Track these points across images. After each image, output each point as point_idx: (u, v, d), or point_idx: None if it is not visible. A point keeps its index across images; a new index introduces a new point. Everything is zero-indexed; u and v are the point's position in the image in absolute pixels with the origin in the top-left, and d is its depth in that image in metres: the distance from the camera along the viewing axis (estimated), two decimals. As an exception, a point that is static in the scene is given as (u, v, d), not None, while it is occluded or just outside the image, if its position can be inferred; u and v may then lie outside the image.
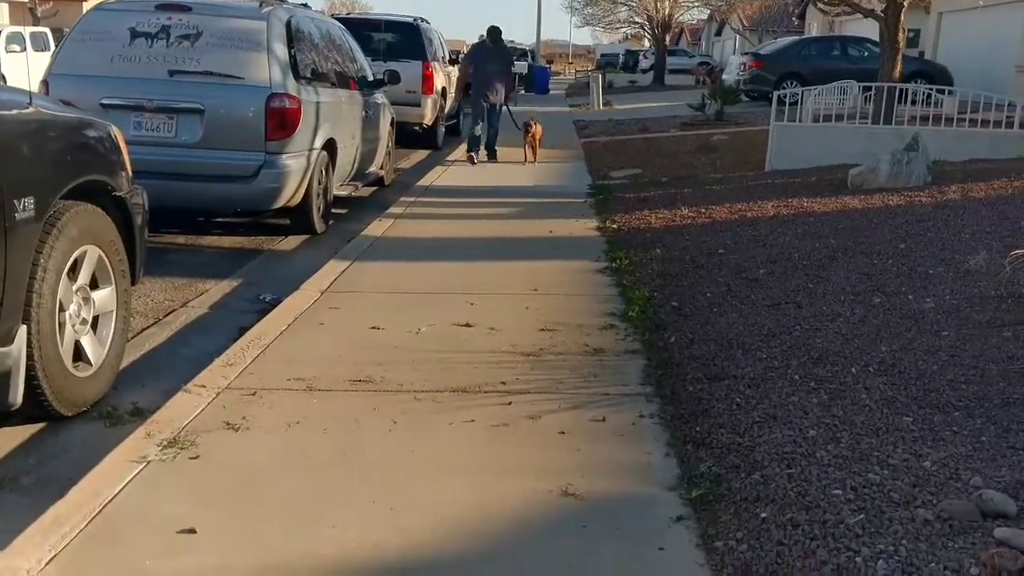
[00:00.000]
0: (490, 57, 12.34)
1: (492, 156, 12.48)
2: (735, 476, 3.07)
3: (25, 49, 20.94)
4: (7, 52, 20.14)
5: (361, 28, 13.12)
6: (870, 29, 16.11)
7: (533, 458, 3.25)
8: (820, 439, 3.30)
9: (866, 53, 21.07)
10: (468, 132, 12.62)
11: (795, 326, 4.67)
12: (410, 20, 14.77)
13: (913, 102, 11.71)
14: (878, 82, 12.07)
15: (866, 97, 12.77)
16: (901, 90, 11.80)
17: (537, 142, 12.28)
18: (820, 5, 14.56)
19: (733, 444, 3.32)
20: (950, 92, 12.63)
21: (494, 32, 12.41)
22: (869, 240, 6.43)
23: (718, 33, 54.82)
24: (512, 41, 47.78)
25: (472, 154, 12.16)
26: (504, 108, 12.63)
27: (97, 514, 2.82)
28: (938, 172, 8.84)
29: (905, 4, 11.92)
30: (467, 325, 4.81)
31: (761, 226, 7.20)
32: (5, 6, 37.54)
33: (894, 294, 5.13)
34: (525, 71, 36.03)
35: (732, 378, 3.99)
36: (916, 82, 14.39)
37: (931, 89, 11.95)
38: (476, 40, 13.43)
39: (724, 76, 25.58)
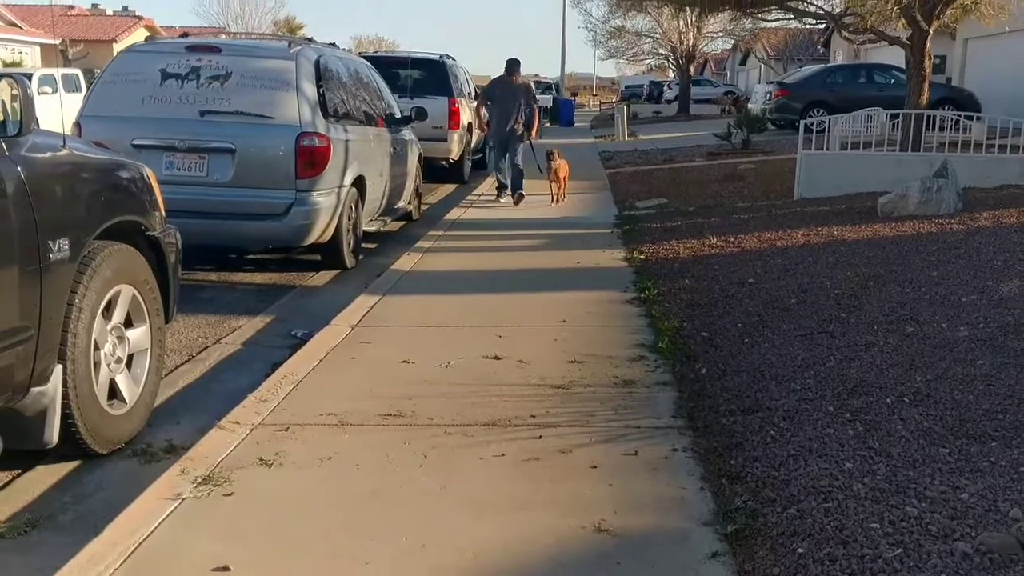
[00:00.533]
0: (508, 91, 11.59)
1: (517, 197, 11.52)
2: (771, 510, 3.04)
3: (57, 91, 21.39)
4: (39, 94, 20.57)
5: (388, 66, 13.28)
6: (896, 56, 16.08)
7: (565, 493, 3.23)
8: (856, 472, 3.26)
9: (892, 80, 21.00)
10: (493, 167, 12.10)
11: (828, 356, 4.63)
12: (436, 57, 14.94)
13: (941, 128, 11.64)
14: (905, 109, 12.02)
15: (893, 124, 12.71)
16: (929, 117, 11.74)
17: (562, 179, 11.30)
18: (845, 33, 14.56)
19: (768, 478, 3.29)
20: (978, 118, 12.54)
21: (511, 65, 11.68)
22: (901, 268, 6.38)
23: (743, 62, 54.89)
24: (537, 75, 48.28)
25: (503, 194, 11.65)
26: (527, 144, 11.85)
27: (132, 552, 2.83)
28: (968, 199, 8.77)
29: (931, 31, 11.89)
30: (496, 358, 4.81)
31: (791, 255, 7.16)
32: (37, 48, 38.49)
33: (927, 323, 5.08)
34: (550, 104, 36.37)
35: (766, 410, 3.95)
36: (944, 108, 14.34)
37: (959, 115, 11.88)
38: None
39: (750, 105, 25.57)
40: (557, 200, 11.28)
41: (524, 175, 11.59)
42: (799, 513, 2.99)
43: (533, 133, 11.93)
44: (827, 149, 11.88)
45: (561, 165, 11.23)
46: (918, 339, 4.81)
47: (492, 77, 12.34)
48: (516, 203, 11.35)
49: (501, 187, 11.72)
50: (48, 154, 3.60)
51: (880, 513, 2.93)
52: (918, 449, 3.43)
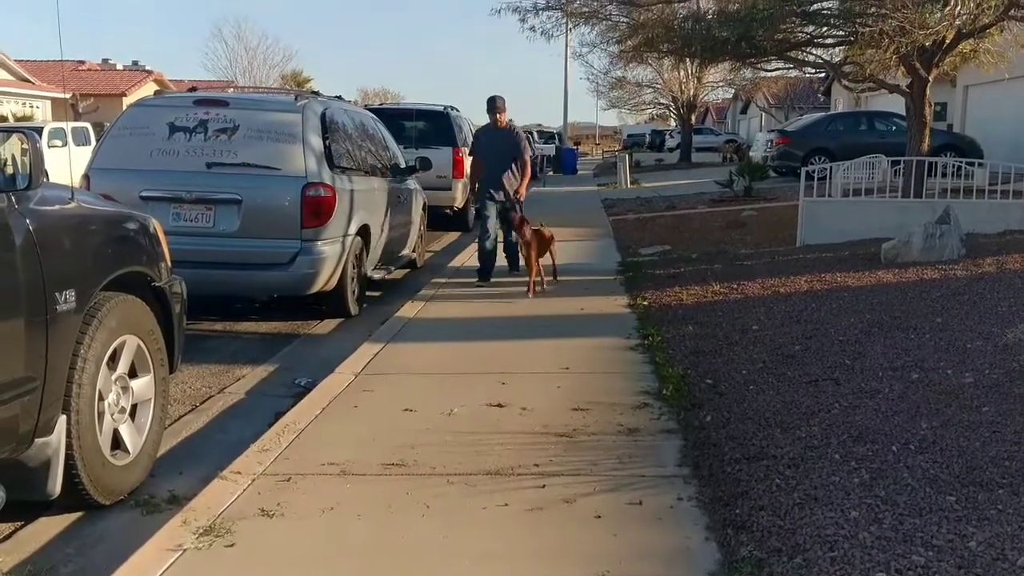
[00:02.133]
0: (495, 140, 9.17)
1: (514, 266, 9.42)
2: (777, 560, 3.01)
3: (67, 144, 21.63)
4: (49, 147, 20.81)
5: (393, 117, 13.43)
6: (897, 103, 16.22)
7: (569, 544, 3.21)
8: (862, 520, 3.24)
9: (893, 127, 21.14)
10: (479, 245, 9.14)
11: (833, 403, 4.61)
12: (440, 109, 15.12)
13: (943, 175, 11.70)
14: (907, 156, 12.10)
15: (895, 171, 12.79)
16: (931, 163, 11.81)
17: (533, 254, 8.27)
18: (845, 82, 14.71)
19: (774, 527, 3.26)
20: (980, 164, 12.61)
21: (492, 105, 9.18)
22: (905, 314, 6.38)
23: (744, 111, 55.39)
24: (540, 124, 48.75)
25: (482, 282, 8.97)
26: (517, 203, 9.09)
27: (133, 605, 2.81)
28: (972, 245, 8.79)
29: (930, 79, 12.01)
30: (499, 405, 4.81)
31: (795, 301, 7.17)
32: (48, 102, 39.00)
33: (932, 369, 5.06)
34: (554, 153, 36.66)
35: (771, 458, 3.93)
36: (945, 155, 14.41)
37: (961, 161, 11.95)
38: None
39: (751, 153, 25.74)
40: (536, 285, 8.24)
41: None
42: (805, 562, 2.96)
43: (521, 189, 9.13)
44: (829, 196, 11.95)
45: (531, 236, 8.29)
46: (923, 386, 4.79)
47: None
48: (511, 270, 9.20)
49: (487, 261, 9.06)
50: (56, 207, 3.65)
51: (886, 562, 2.91)
52: (924, 497, 3.40)
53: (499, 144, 9.09)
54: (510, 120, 9.46)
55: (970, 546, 2.98)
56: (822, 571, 2.89)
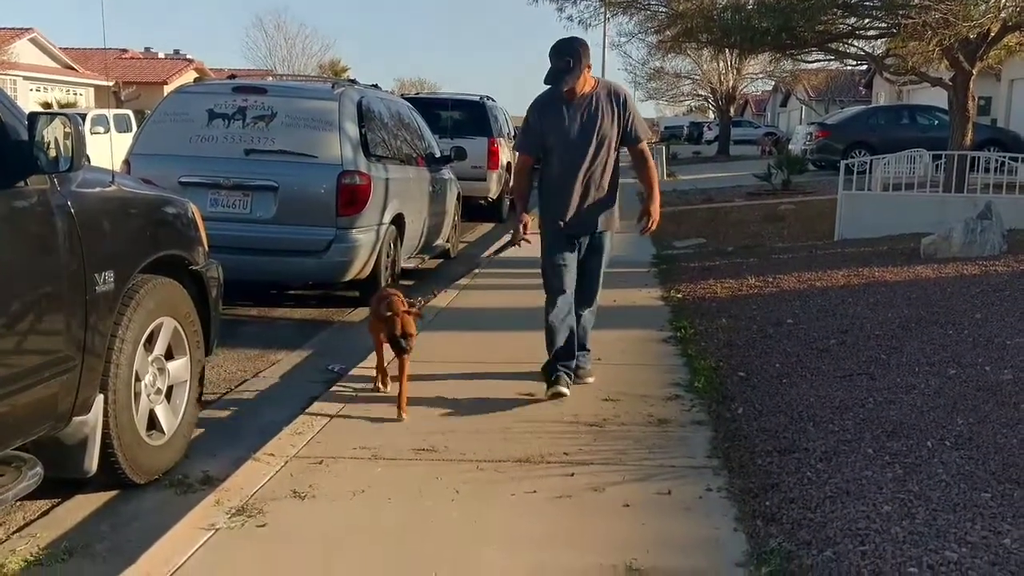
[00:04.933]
0: (567, 118, 4.72)
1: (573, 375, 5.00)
2: (806, 553, 2.99)
3: (109, 130, 21.93)
4: (91, 133, 21.10)
5: (429, 107, 13.46)
6: (939, 97, 15.99)
7: (596, 531, 3.21)
8: (895, 515, 3.20)
9: (936, 121, 20.84)
10: (546, 325, 4.94)
11: (868, 398, 4.56)
12: (476, 98, 15.12)
13: (986, 170, 11.50)
14: (949, 150, 11.91)
15: (937, 166, 12.60)
16: (973, 158, 11.61)
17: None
18: (887, 75, 14.52)
19: (804, 519, 3.24)
20: (1024, 159, 12.38)
21: (561, 58, 4.58)
22: (943, 310, 6.28)
23: (783, 104, 54.80)
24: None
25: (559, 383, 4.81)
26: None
27: (166, 581, 2.86)
28: (1013, 241, 8.64)
29: (974, 72, 11.81)
30: (530, 395, 4.81)
31: (831, 296, 7.09)
32: (91, 90, 39.62)
33: (970, 365, 4.99)
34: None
35: (803, 451, 3.90)
36: (989, 150, 14.17)
37: (1004, 156, 11.73)
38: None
39: (790, 146, 25.49)
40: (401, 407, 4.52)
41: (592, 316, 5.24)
42: (835, 556, 2.94)
43: (652, 209, 4.83)
44: (869, 190, 11.79)
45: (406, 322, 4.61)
46: (960, 381, 4.73)
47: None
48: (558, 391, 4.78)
49: (552, 369, 4.87)
50: (97, 189, 3.71)
51: (919, 557, 2.88)
52: (959, 493, 3.36)
53: (580, 125, 4.67)
54: (599, 79, 4.82)
55: (1005, 543, 2.94)
56: (852, 565, 2.87)
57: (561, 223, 4.78)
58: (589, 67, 4.61)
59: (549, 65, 4.58)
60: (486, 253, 4.73)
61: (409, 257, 8.65)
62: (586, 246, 4.90)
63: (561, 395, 4.76)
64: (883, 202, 11.09)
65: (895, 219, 10.45)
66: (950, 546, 2.94)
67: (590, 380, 5.08)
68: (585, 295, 5.01)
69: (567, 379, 4.84)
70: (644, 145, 4.87)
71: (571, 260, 4.84)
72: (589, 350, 5.22)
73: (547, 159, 4.82)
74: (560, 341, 4.88)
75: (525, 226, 4.90)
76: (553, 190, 4.83)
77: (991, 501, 3.28)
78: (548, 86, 4.66)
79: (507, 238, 5.11)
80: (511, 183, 5.36)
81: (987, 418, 4.15)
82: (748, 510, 3.36)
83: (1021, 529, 3.02)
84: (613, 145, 4.74)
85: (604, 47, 36.87)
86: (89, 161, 3.71)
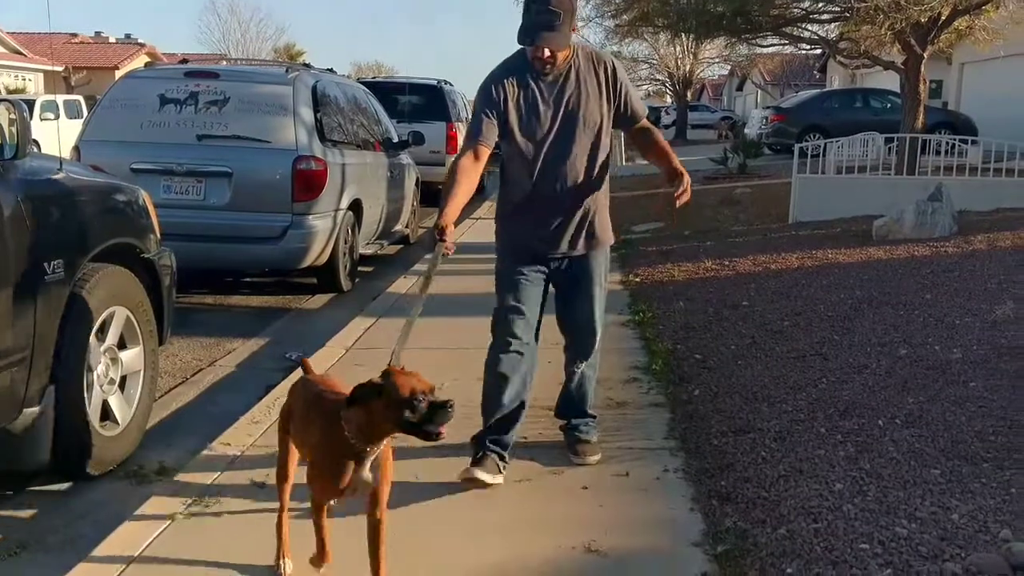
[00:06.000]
0: (540, 101, 3.44)
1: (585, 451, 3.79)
2: (761, 531, 3.04)
3: (59, 117, 21.52)
4: (41, 120, 20.71)
5: (386, 91, 13.36)
6: (892, 81, 16.19)
7: (556, 514, 3.23)
8: (847, 492, 3.26)
9: (888, 105, 21.12)
10: (486, 373, 3.65)
11: (821, 378, 4.64)
12: (434, 83, 15.04)
13: (937, 152, 11.69)
14: (901, 133, 12.09)
15: (889, 148, 12.78)
16: (925, 141, 11.79)
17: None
18: (840, 58, 14.69)
19: (759, 498, 3.29)
20: (974, 142, 12.60)
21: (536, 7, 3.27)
22: (895, 291, 6.39)
23: (739, 88, 55.20)
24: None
25: (481, 467, 3.52)
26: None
27: (122, 573, 2.83)
28: (963, 222, 8.80)
29: (925, 56, 11.98)
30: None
31: (785, 278, 7.18)
32: (40, 75, 38.73)
33: (921, 345, 5.09)
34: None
35: (757, 431, 3.95)
36: (940, 132, 14.40)
37: (955, 139, 11.94)
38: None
39: (746, 130, 25.71)
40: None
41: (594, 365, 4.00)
42: (789, 534, 2.99)
43: (684, 172, 3.52)
44: (822, 173, 11.93)
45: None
46: (911, 361, 4.81)
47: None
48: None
49: (481, 443, 3.63)
50: (44, 177, 3.64)
51: (870, 534, 2.94)
52: (909, 470, 3.43)
53: (560, 107, 3.47)
54: (580, 46, 3.52)
55: (953, 518, 3.01)
56: (805, 542, 2.92)
57: (535, 242, 3.55)
58: (575, 29, 3.38)
59: (521, 21, 3.26)
60: (417, 290, 3.33)
61: (368, 243, 8.60)
62: (567, 274, 3.61)
63: (476, 481, 3.41)
64: (836, 185, 11.22)
65: (848, 202, 10.58)
66: (900, 522, 3.00)
67: (593, 460, 3.67)
68: (578, 345, 3.72)
69: (496, 463, 3.50)
70: (645, 120, 3.73)
71: (536, 295, 3.59)
72: (594, 416, 3.89)
73: (510, 155, 3.50)
74: (503, 403, 3.54)
75: (442, 231, 3.21)
76: (522, 197, 3.53)
77: (940, 477, 3.35)
78: (522, 46, 3.34)
79: (429, 257, 3.59)
80: (448, 178, 3.28)
81: (937, 396, 4.23)
82: (704, 490, 3.40)
83: (969, 504, 3.10)
84: (605, 130, 3.52)
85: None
86: (38, 148, 3.64)
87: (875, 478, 3.37)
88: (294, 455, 2.86)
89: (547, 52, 3.28)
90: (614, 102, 3.53)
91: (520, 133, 3.43)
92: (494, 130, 3.39)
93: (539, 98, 3.42)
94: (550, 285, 3.68)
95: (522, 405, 3.66)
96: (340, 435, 2.51)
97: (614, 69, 3.51)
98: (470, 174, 3.34)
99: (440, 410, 2.47)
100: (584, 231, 3.59)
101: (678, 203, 3.49)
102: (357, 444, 2.52)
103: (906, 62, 12.19)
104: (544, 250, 3.58)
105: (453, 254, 3.23)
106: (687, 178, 3.49)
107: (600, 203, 3.65)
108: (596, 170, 3.56)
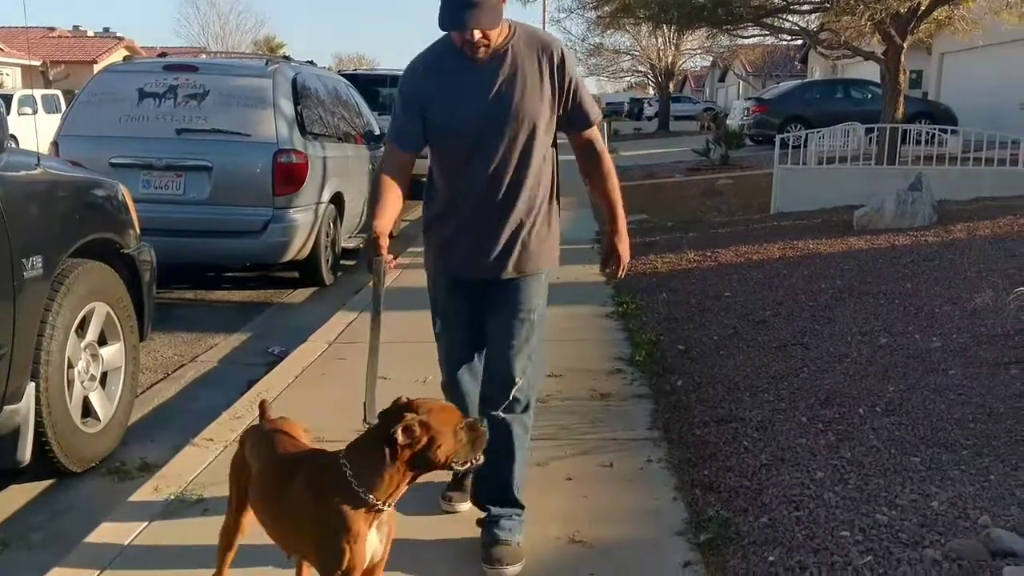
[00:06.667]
0: (465, 89, 2.83)
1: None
2: (743, 520, 3.06)
3: (37, 112, 21.32)
4: (19, 115, 20.52)
5: (368, 83, 13.32)
6: (873, 71, 16.28)
7: (540, 505, 3.23)
8: (828, 481, 3.29)
9: (869, 95, 21.23)
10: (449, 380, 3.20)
11: (802, 368, 4.66)
12: (416, 74, 14.98)
13: (917, 142, 11.76)
14: (881, 123, 12.16)
15: (870, 139, 12.84)
16: (905, 131, 11.86)
17: None
18: (821, 49, 14.75)
19: (741, 487, 3.31)
20: (954, 131, 12.68)
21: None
22: (875, 280, 6.44)
23: (721, 79, 55.35)
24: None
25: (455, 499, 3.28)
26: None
27: (104, 570, 2.82)
28: (943, 211, 8.86)
29: (905, 46, 12.05)
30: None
31: (767, 268, 7.21)
32: (17, 70, 38.36)
33: (901, 334, 5.12)
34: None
35: (739, 421, 3.98)
36: (920, 122, 14.48)
37: (934, 129, 12.02)
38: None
39: (728, 121, 25.78)
40: None
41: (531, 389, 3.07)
42: (771, 522, 3.01)
43: (621, 252, 3.05)
44: (804, 164, 11.99)
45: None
46: (891, 350, 4.85)
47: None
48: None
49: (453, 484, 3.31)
50: (22, 172, 3.61)
51: (851, 521, 2.96)
52: (889, 458, 3.46)
53: (490, 98, 2.81)
54: (514, 24, 2.86)
55: (933, 505, 3.04)
56: (787, 530, 2.94)
57: (454, 259, 3.00)
58: (505, 1, 2.72)
59: (440, 1, 2.68)
60: (370, 317, 2.80)
61: (350, 236, 8.57)
62: (488, 300, 2.96)
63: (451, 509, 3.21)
64: (817, 175, 11.27)
65: (829, 192, 10.64)
66: (881, 509, 3.03)
67: (510, 572, 2.80)
68: (492, 383, 2.95)
69: (452, 500, 3.26)
70: (596, 131, 3.01)
71: (463, 327, 3.07)
72: (519, 507, 3.00)
73: (432, 152, 2.96)
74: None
75: (376, 241, 2.88)
76: (443, 205, 2.99)
77: (920, 465, 3.38)
78: (445, 31, 2.78)
79: (373, 281, 2.90)
80: (371, 190, 3.24)
81: (917, 385, 4.27)
82: (687, 480, 3.42)
83: (948, 491, 3.12)
84: (544, 129, 2.85)
85: (544, 23, 36.77)
86: (16, 143, 3.61)
87: (856, 466, 3.40)
88: (247, 515, 2.43)
89: (477, 34, 2.68)
90: (558, 97, 2.85)
91: (440, 127, 2.84)
92: (418, 128, 2.85)
93: (463, 85, 2.81)
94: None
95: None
96: (349, 492, 2.11)
97: (562, 58, 2.85)
98: (393, 186, 2.92)
99: (479, 437, 2.22)
100: (514, 251, 2.89)
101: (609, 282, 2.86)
102: (375, 498, 2.11)
103: (886, 52, 12.26)
104: (465, 271, 2.97)
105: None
106: (626, 253, 3.02)
107: (539, 219, 2.92)
108: (530, 176, 2.86)
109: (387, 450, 2.09)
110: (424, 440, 2.11)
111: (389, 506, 2.15)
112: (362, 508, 2.10)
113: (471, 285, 2.96)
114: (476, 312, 2.99)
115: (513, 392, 2.89)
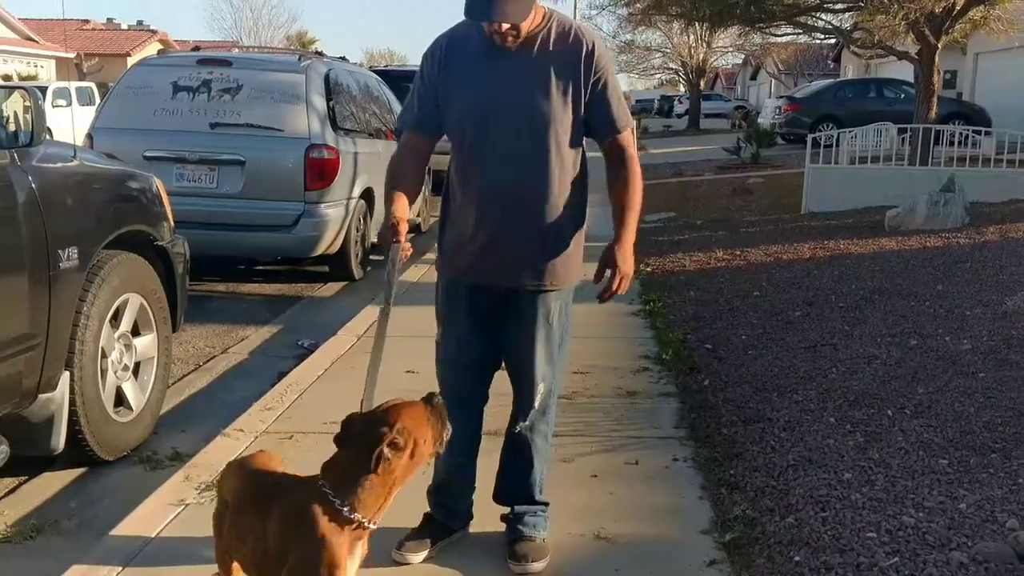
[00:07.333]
0: (493, 79, 2.65)
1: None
2: (769, 519, 3.05)
3: (71, 104, 21.55)
4: (53, 107, 20.74)
5: (398, 79, 13.31)
6: (906, 71, 16.11)
7: (565, 501, 3.24)
8: (855, 482, 3.27)
9: (902, 95, 21.00)
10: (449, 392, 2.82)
11: (831, 368, 4.64)
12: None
13: (951, 143, 11.64)
14: (914, 123, 12.03)
15: (903, 139, 12.72)
16: (938, 131, 11.74)
17: None
18: (854, 48, 14.61)
19: (767, 487, 3.30)
20: (987, 133, 12.53)
21: None
22: (906, 282, 6.38)
23: (753, 77, 54.93)
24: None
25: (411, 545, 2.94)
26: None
27: (135, 557, 2.87)
28: (976, 213, 8.77)
29: (939, 46, 11.92)
30: (501, 368, 4.83)
31: (797, 268, 7.17)
32: (52, 62, 38.85)
33: (931, 336, 5.08)
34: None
35: (767, 421, 3.97)
36: (953, 123, 14.32)
37: (968, 130, 11.88)
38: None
39: (760, 120, 25.61)
40: None
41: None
42: (797, 522, 3.00)
43: (621, 264, 2.74)
44: (836, 163, 11.89)
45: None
46: (921, 352, 4.81)
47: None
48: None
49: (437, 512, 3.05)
50: (59, 164, 3.67)
51: (877, 523, 2.95)
52: (917, 460, 3.44)
53: (516, 87, 2.63)
54: (549, 11, 2.68)
55: (960, 508, 3.02)
56: (813, 530, 2.93)
57: (466, 262, 2.78)
58: None
59: None
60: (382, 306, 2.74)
61: (379, 232, 8.61)
62: (506, 307, 2.78)
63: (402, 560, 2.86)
64: (849, 175, 11.19)
65: (861, 192, 10.56)
66: (908, 511, 3.01)
67: (537, 568, 2.78)
68: (517, 395, 2.91)
69: (429, 546, 2.92)
70: (628, 136, 2.73)
71: (479, 337, 2.85)
72: (543, 504, 2.98)
73: (451, 142, 2.77)
74: (447, 471, 2.97)
75: (396, 227, 2.67)
76: (460, 200, 2.78)
77: (948, 468, 3.36)
78: (470, 19, 2.57)
79: (387, 269, 2.74)
80: (386, 180, 2.82)
81: (946, 387, 4.24)
82: (713, 479, 3.42)
83: (976, 494, 3.10)
84: (559, 130, 2.61)
85: (575, 19, 36.54)
86: (51, 135, 3.67)
87: (883, 468, 3.38)
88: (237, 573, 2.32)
89: (505, 26, 2.51)
90: (585, 94, 2.63)
91: (457, 114, 2.67)
92: (434, 112, 2.71)
93: (486, 71, 2.63)
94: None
95: (471, 475, 2.98)
96: (332, 512, 2.05)
97: (591, 50, 2.62)
98: (407, 172, 2.79)
99: (441, 411, 2.21)
100: (534, 260, 2.70)
101: (602, 300, 2.72)
102: (360, 516, 2.06)
103: (920, 52, 12.13)
104: (478, 276, 2.76)
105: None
106: (625, 265, 2.72)
107: (563, 226, 2.72)
108: (556, 177, 2.64)
109: (378, 467, 2.05)
110: (411, 446, 2.10)
111: (374, 524, 2.10)
112: (347, 527, 2.05)
113: (483, 288, 2.77)
114: (485, 320, 2.82)
115: (539, 399, 2.87)
